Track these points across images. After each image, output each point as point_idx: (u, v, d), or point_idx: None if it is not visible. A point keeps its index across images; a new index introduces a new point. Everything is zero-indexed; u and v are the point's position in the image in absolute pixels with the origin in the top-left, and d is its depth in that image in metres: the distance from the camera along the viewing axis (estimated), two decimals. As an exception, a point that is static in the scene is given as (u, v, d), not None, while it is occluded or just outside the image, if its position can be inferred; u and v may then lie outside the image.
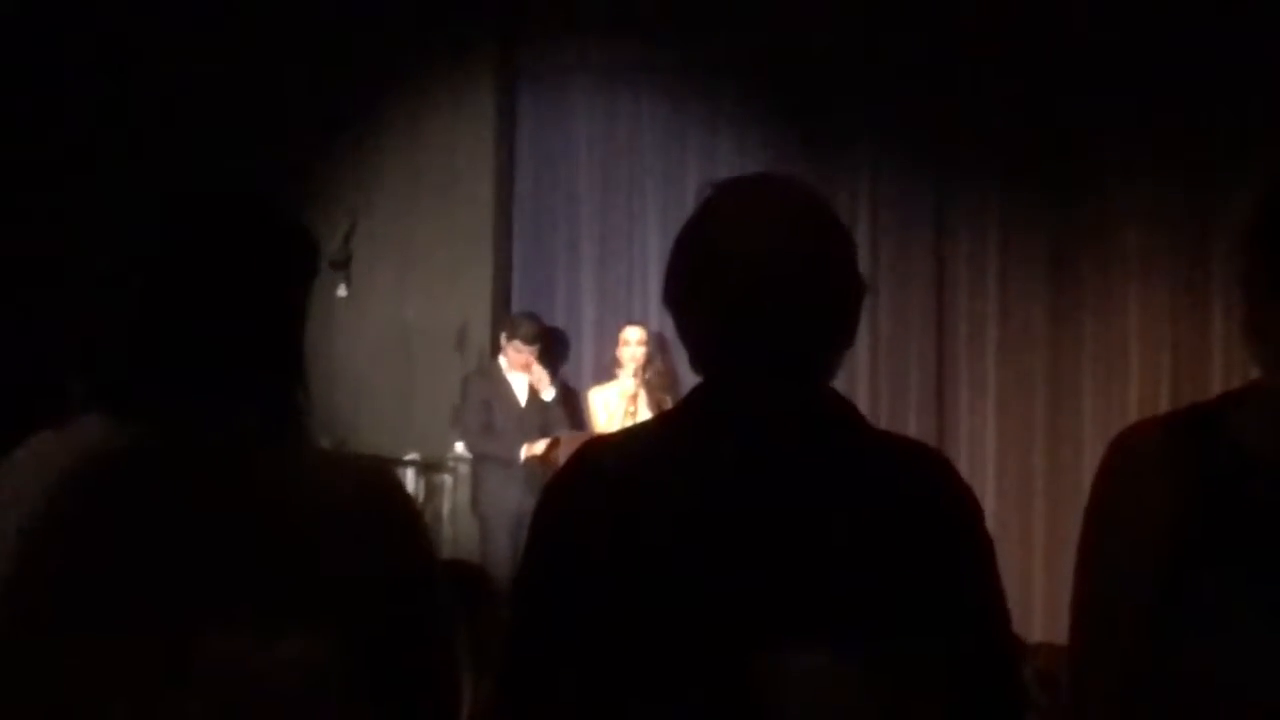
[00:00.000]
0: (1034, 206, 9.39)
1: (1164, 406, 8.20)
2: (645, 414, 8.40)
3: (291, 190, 8.53)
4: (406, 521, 2.13)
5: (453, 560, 6.17)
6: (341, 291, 9.06)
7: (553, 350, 9.38)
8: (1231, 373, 8.56)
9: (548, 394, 8.98)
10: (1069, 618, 2.11)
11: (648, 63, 9.82)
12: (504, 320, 9.34)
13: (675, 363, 8.49)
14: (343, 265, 9.13)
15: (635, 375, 8.78)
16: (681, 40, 9.67)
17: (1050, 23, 9.07)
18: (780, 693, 1.95)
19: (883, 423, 5.88)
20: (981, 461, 9.32)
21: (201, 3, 9.24)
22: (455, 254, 9.54)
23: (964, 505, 2.10)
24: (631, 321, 9.11)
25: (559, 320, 9.67)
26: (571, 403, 9.26)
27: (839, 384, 2.13)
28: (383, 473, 2.22)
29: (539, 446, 8.66)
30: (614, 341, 9.11)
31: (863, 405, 8.38)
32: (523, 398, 8.99)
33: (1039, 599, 8.79)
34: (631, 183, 9.83)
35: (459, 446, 9.11)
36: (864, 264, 2.16)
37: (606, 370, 9.28)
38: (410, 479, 8.85)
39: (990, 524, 2.13)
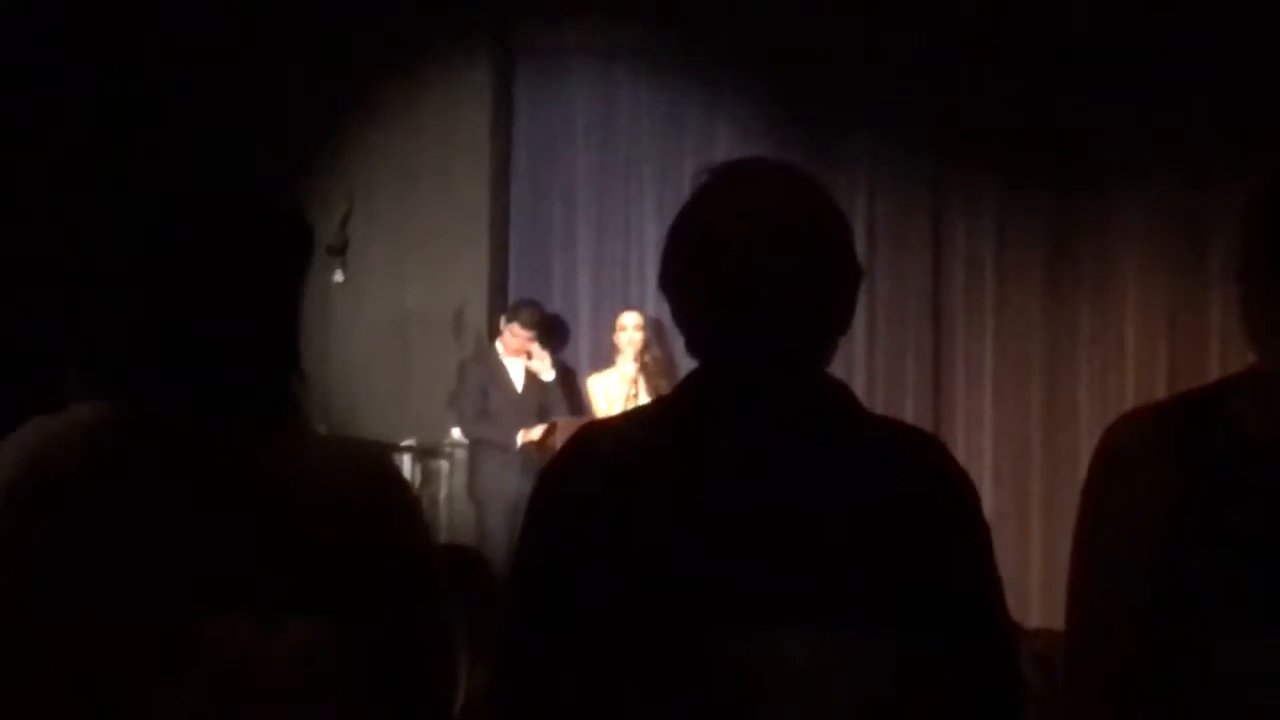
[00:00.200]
0: (1031, 194, 9.39)
1: (1160, 394, 8.19)
2: (646, 399, 8.39)
3: (287, 176, 8.51)
4: (403, 507, 2.14)
5: (449, 545, 6.17)
6: (338, 277, 9.06)
7: (552, 336, 9.37)
8: (1229, 360, 8.55)
9: (547, 375, 8.98)
10: (1065, 604, 2.11)
11: (646, 47, 9.80)
12: (505, 305, 9.35)
13: (672, 348, 8.49)
14: (339, 251, 9.13)
15: (635, 360, 8.78)
16: (680, 25, 9.65)
17: (1050, 15, 9.07)
18: (776, 681, 1.95)
19: (879, 409, 5.86)
20: (978, 448, 9.33)
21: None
22: (452, 239, 9.53)
23: (960, 491, 2.09)
24: (629, 307, 9.10)
25: (555, 305, 9.67)
26: (570, 385, 9.26)
27: (835, 371, 2.13)
28: (380, 459, 2.22)
29: (535, 432, 8.67)
30: (610, 326, 9.11)
31: (860, 392, 8.31)
32: (519, 383, 8.99)
33: (1036, 584, 8.81)
34: (629, 167, 9.82)
35: (455, 432, 9.11)
36: (862, 251, 2.16)
37: (603, 355, 9.28)
38: (407, 464, 8.85)
39: (987, 510, 2.13)
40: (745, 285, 2.03)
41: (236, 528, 1.97)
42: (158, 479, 1.99)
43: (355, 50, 9.42)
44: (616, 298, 9.54)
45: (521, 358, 9.01)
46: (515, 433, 8.73)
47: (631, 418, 2.26)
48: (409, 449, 8.96)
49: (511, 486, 8.37)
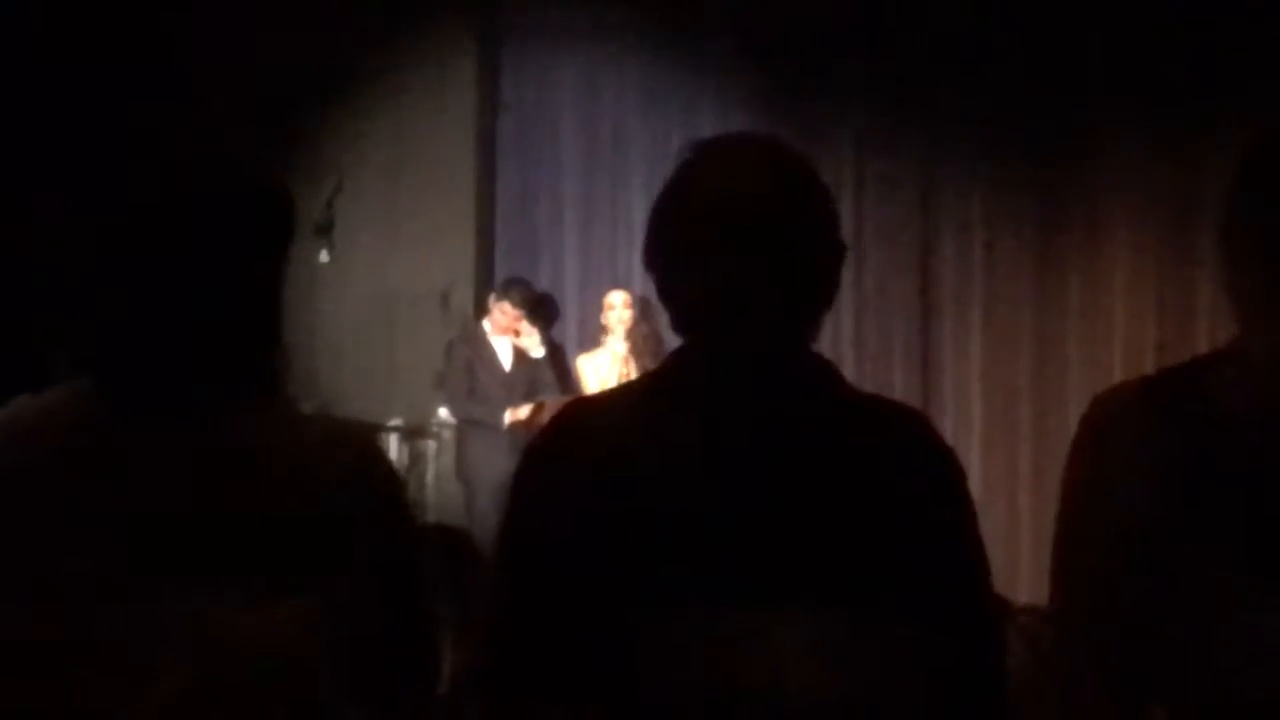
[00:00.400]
0: (1020, 168, 9.39)
1: (1149, 367, 8.18)
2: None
3: (274, 155, 8.46)
4: (387, 487, 2.13)
5: (437, 525, 6.18)
6: (324, 256, 9.04)
7: (542, 314, 9.37)
8: (1217, 335, 8.55)
9: (537, 352, 8.98)
10: (1050, 573, 2.11)
11: (631, 25, 9.78)
12: (492, 284, 9.34)
13: (659, 326, 8.48)
14: (325, 230, 9.10)
15: (627, 339, 8.78)
16: (666, 3, 9.64)
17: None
18: (761, 659, 1.95)
19: (868, 384, 5.87)
20: (966, 423, 9.35)
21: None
22: (438, 218, 9.52)
23: (947, 468, 2.10)
24: (615, 286, 9.10)
25: (542, 284, 9.66)
26: (559, 363, 9.26)
27: (824, 346, 2.13)
28: (363, 438, 2.21)
29: (523, 411, 8.67)
30: (597, 304, 9.11)
31: (847, 366, 8.32)
32: (507, 362, 8.99)
33: (1025, 560, 8.82)
34: (615, 146, 9.81)
35: (442, 412, 9.11)
36: (849, 228, 2.16)
37: (590, 334, 9.28)
38: (394, 444, 8.85)
39: (976, 486, 2.13)
40: (730, 261, 2.03)
41: (216, 507, 1.97)
42: (137, 458, 1.98)
43: (341, 30, 9.39)
44: (603, 276, 9.54)
45: (509, 336, 9.00)
46: (503, 412, 8.73)
47: (616, 394, 2.25)
48: (396, 429, 8.95)
49: (499, 466, 8.34)
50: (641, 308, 8.78)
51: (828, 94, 9.57)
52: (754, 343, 2.05)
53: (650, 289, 2.15)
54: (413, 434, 9.09)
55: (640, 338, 8.80)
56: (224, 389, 2.03)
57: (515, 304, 8.98)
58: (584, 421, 2.12)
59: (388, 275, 9.47)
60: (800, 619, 1.96)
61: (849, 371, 2.18)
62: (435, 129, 9.56)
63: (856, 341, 9.46)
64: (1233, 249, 2.04)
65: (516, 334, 9.01)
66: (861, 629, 1.97)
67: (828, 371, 2.10)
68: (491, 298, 9.15)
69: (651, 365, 8.43)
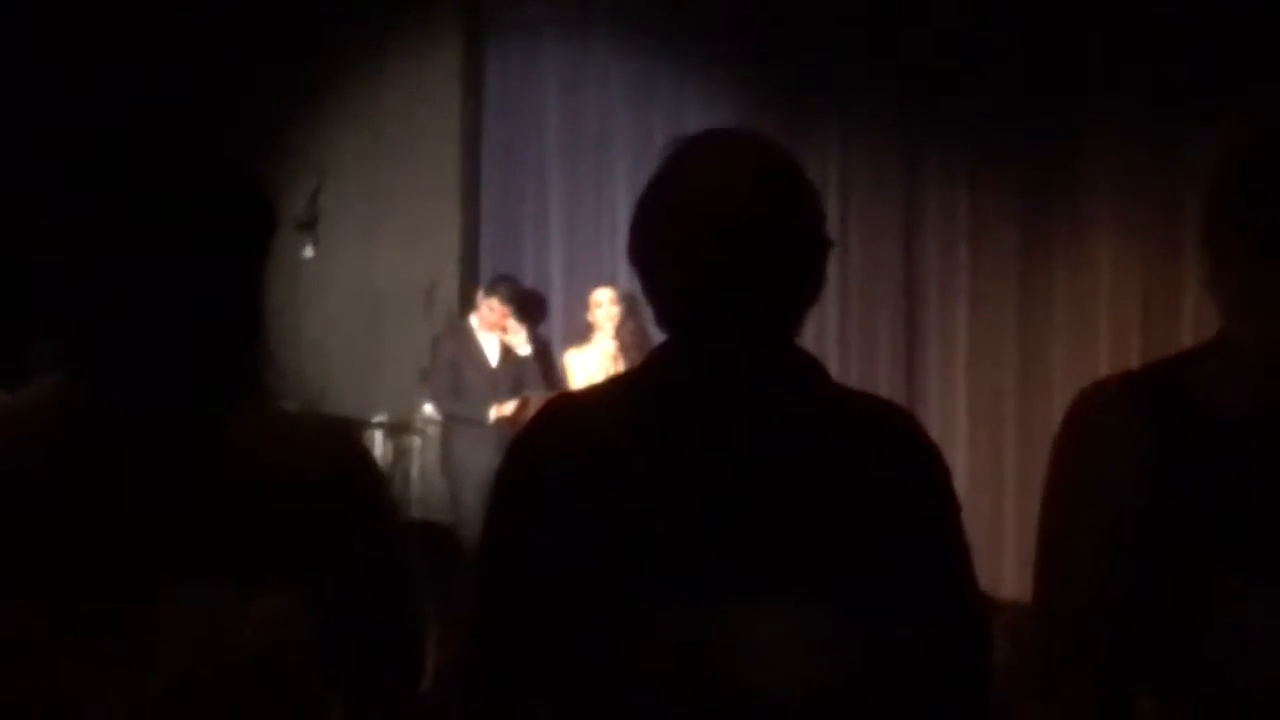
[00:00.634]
0: (1005, 164, 9.38)
1: (1134, 362, 8.20)
2: (626, 374, 8.37)
3: (257, 152, 8.47)
4: (369, 483, 2.13)
5: (421, 521, 6.17)
6: (308, 252, 9.02)
7: (530, 310, 9.37)
8: (1202, 330, 8.52)
9: (524, 350, 8.98)
10: (1033, 568, 2.11)
11: (616, 18, 9.77)
12: (476, 280, 9.33)
13: (645, 322, 8.48)
14: (309, 226, 9.09)
15: (615, 336, 8.78)
16: (651, -2, 9.66)
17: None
18: (748, 652, 1.95)
19: (853, 380, 5.87)
20: (952, 419, 9.35)
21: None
22: (422, 214, 9.51)
23: (931, 465, 2.10)
24: (601, 282, 9.09)
25: (527, 279, 9.65)
26: (547, 360, 9.25)
27: (808, 342, 2.13)
28: (345, 434, 2.21)
29: (508, 407, 8.67)
30: (583, 299, 9.11)
31: (832, 363, 8.32)
32: (494, 358, 8.98)
33: (1010, 556, 8.82)
34: (600, 140, 9.80)
35: (427, 408, 9.10)
36: (833, 223, 2.16)
37: (576, 330, 9.27)
38: (379, 441, 8.84)
39: (961, 482, 2.13)
40: (714, 256, 2.02)
41: (199, 504, 1.97)
42: (119, 455, 1.97)
43: (325, 25, 9.37)
44: (589, 271, 9.53)
45: (496, 333, 9.00)
46: (488, 408, 8.72)
47: (601, 390, 2.25)
48: (380, 425, 8.94)
49: (485, 462, 8.33)
50: (628, 304, 8.77)
51: (813, 90, 9.56)
52: (739, 339, 2.05)
53: (636, 285, 2.15)
54: (397, 430, 9.08)
55: (627, 334, 8.80)
56: (207, 386, 2.03)
57: (503, 300, 8.98)
58: (568, 417, 2.11)
59: (372, 271, 9.46)
60: (785, 615, 1.95)
61: (833, 368, 2.17)
62: (419, 124, 9.55)
63: (841, 338, 9.46)
64: (1217, 245, 2.05)
65: (504, 330, 9.01)
66: (847, 626, 1.97)
67: (812, 368, 2.10)
68: (479, 294, 9.15)
69: (638, 361, 8.40)
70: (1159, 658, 1.99)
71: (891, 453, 2.07)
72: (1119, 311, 9.19)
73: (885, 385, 9.10)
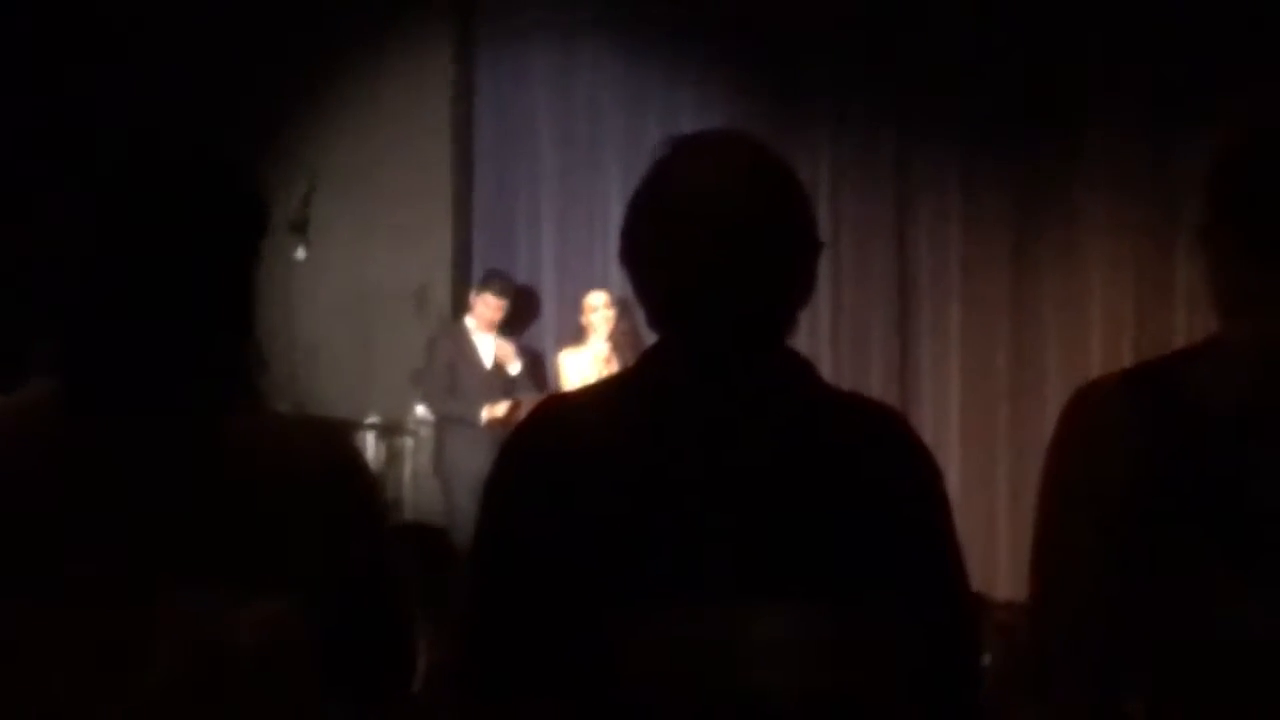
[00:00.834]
0: (996, 163, 9.37)
1: (1127, 361, 8.16)
2: (621, 378, 8.36)
3: (250, 153, 8.45)
4: (361, 485, 2.13)
5: (414, 523, 6.17)
6: (300, 254, 9.01)
7: (521, 314, 9.37)
8: (1194, 329, 8.57)
9: (514, 368, 8.94)
10: (1029, 566, 2.11)
11: (607, 21, 9.76)
12: (469, 282, 9.33)
13: (638, 323, 8.47)
14: (301, 228, 9.08)
15: (609, 339, 8.78)
16: (643, 0, 9.63)
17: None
18: (739, 653, 1.95)
19: (845, 381, 5.87)
20: (945, 420, 9.34)
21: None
22: (415, 216, 9.50)
23: (923, 465, 2.10)
24: (593, 286, 9.07)
25: (520, 281, 9.63)
26: (538, 374, 9.25)
27: (801, 343, 2.13)
28: (337, 436, 2.21)
29: (500, 409, 8.66)
30: (575, 301, 9.10)
31: (825, 364, 8.30)
32: (488, 360, 8.98)
33: (1003, 557, 8.82)
34: (592, 142, 9.78)
35: (420, 409, 9.09)
36: (825, 223, 2.16)
37: (568, 332, 9.27)
38: (371, 442, 8.82)
39: (953, 484, 2.13)
40: (706, 257, 2.02)
41: (191, 506, 1.96)
42: (112, 458, 1.97)
43: (318, 28, 9.36)
44: (581, 273, 9.52)
45: (492, 334, 9.00)
46: (480, 409, 8.72)
47: (593, 391, 2.25)
48: (373, 426, 8.93)
49: (478, 463, 8.31)
50: (621, 307, 8.77)
51: (805, 92, 9.55)
52: (730, 340, 2.05)
53: (628, 287, 2.15)
54: (390, 431, 9.07)
55: (620, 336, 8.80)
56: (198, 387, 2.02)
57: (498, 294, 8.99)
58: (561, 418, 2.11)
59: (364, 273, 9.45)
60: (777, 616, 1.95)
61: (826, 369, 2.17)
62: (412, 126, 9.54)
63: (833, 340, 9.45)
64: (1213, 244, 2.05)
65: (501, 326, 9.01)
66: (838, 626, 1.97)
67: (804, 369, 2.10)
68: (472, 293, 9.15)
69: (631, 362, 8.38)
70: (1154, 657, 1.99)
71: (883, 454, 2.07)
72: (1112, 312, 9.19)
73: (878, 386, 9.10)
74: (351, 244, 9.44)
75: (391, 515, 2.43)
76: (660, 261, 2.06)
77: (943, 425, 9.21)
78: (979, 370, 9.41)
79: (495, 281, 9.10)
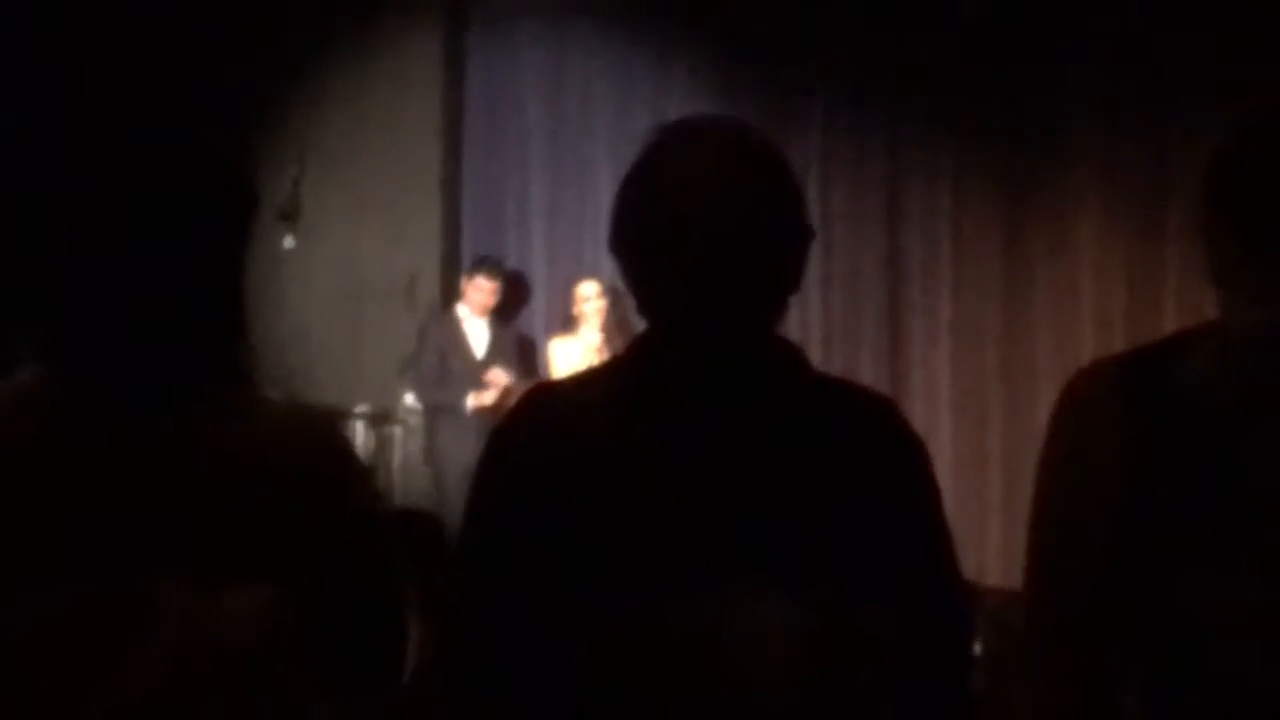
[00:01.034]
0: (987, 152, 9.38)
1: (1118, 347, 8.16)
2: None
3: (238, 140, 8.44)
4: (351, 472, 2.13)
5: (405, 510, 6.15)
6: (289, 243, 8.99)
7: (511, 302, 9.36)
8: (1185, 318, 8.57)
9: (503, 380, 8.83)
10: (1025, 553, 2.11)
11: (597, 8, 9.75)
12: (458, 271, 9.32)
13: (628, 311, 8.46)
14: (290, 216, 9.06)
15: (602, 330, 8.77)
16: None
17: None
18: (727, 639, 1.94)
19: (836, 370, 5.86)
20: (936, 408, 9.35)
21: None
22: (404, 204, 9.49)
23: (913, 453, 2.10)
24: (583, 277, 9.06)
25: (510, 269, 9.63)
26: (527, 356, 9.24)
27: (791, 331, 2.12)
28: (327, 423, 2.20)
29: (487, 397, 8.66)
30: (565, 289, 9.10)
31: (815, 352, 8.29)
32: (480, 348, 8.96)
33: (994, 543, 8.83)
34: (582, 130, 9.77)
35: (408, 398, 9.08)
36: (816, 212, 2.15)
37: (558, 320, 9.26)
38: (360, 431, 8.81)
39: (944, 471, 2.13)
40: (695, 244, 2.02)
41: (180, 495, 1.96)
42: (100, 447, 1.96)
43: (307, 14, 9.34)
44: (571, 261, 9.52)
45: (485, 319, 8.99)
46: (466, 397, 8.72)
47: (582, 378, 2.24)
48: (362, 415, 8.91)
49: (469, 452, 8.32)
50: (611, 295, 8.76)
51: (795, 79, 9.54)
52: (720, 327, 2.04)
53: (618, 275, 2.14)
54: (379, 420, 9.05)
55: (611, 324, 8.79)
56: (188, 375, 2.02)
57: (489, 276, 8.99)
58: (549, 405, 2.11)
59: (353, 261, 9.44)
60: (766, 605, 1.95)
61: (816, 358, 2.17)
62: (401, 115, 9.53)
63: (824, 328, 9.45)
64: (1214, 230, 2.04)
65: (495, 309, 9.00)
66: (828, 615, 1.97)
67: (794, 357, 2.10)
68: (463, 279, 9.14)
69: (621, 350, 8.35)
70: (1149, 642, 1.99)
71: (874, 441, 2.07)
72: (1102, 299, 9.19)
73: (869, 374, 9.10)
74: (340, 232, 9.43)
75: (381, 503, 2.43)
76: (650, 249, 2.05)
77: (933, 413, 9.22)
78: (970, 358, 9.42)
79: (486, 265, 9.10)
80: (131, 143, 2.06)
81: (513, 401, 2.12)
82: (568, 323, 9.06)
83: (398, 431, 9.11)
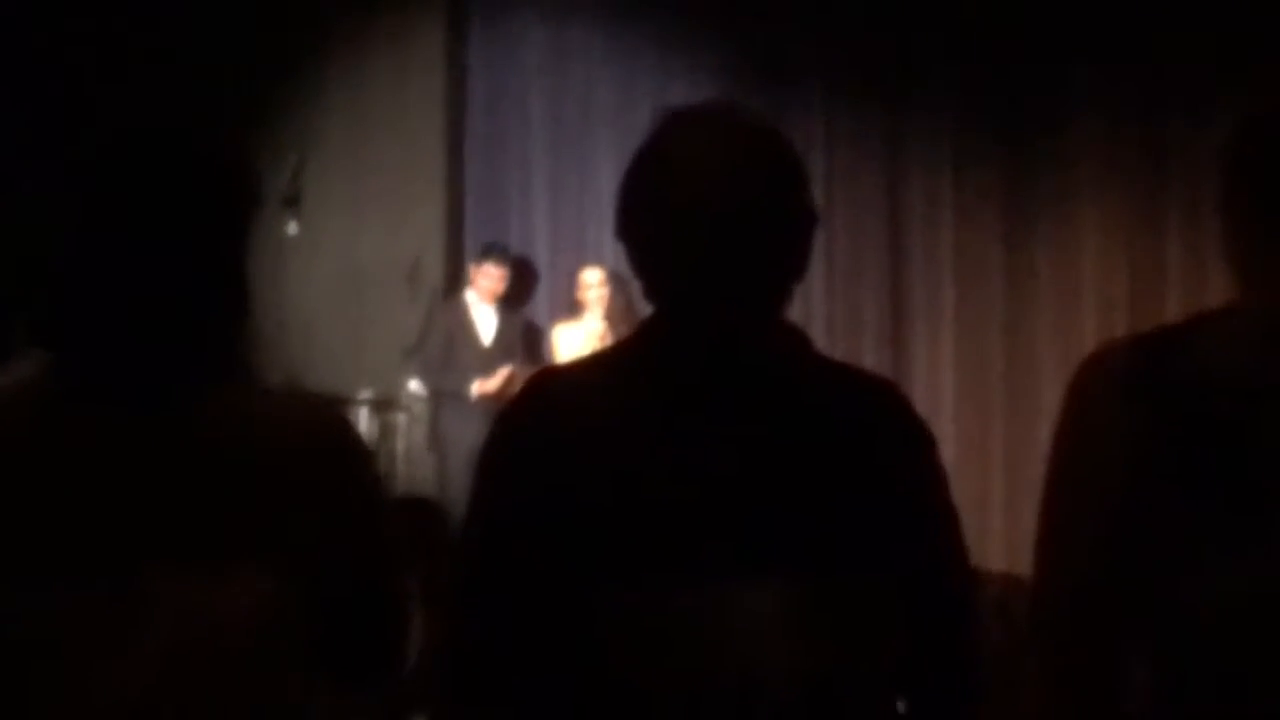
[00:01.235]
0: (988, 138, 9.37)
1: (1120, 334, 8.18)
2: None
3: (239, 127, 8.43)
4: (355, 461, 2.12)
5: (409, 497, 6.15)
6: (292, 229, 8.98)
7: (516, 288, 9.35)
8: (1187, 303, 8.56)
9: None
10: (1036, 537, 2.10)
11: (600, -3, 9.75)
12: (461, 257, 9.31)
13: (633, 297, 8.45)
14: (293, 203, 9.05)
15: (606, 318, 8.76)
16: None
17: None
18: (733, 628, 1.94)
19: (839, 355, 5.82)
20: (939, 392, 9.34)
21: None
22: (407, 191, 9.48)
23: (917, 435, 2.09)
24: (586, 261, 9.06)
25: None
26: (533, 343, 9.24)
27: (795, 318, 2.12)
28: (331, 412, 2.20)
29: (492, 383, 8.65)
30: (568, 275, 9.10)
31: (819, 338, 8.32)
32: (488, 335, 8.96)
33: (997, 529, 8.83)
34: (584, 118, 9.76)
35: (412, 385, 9.07)
36: (818, 198, 2.15)
37: (561, 306, 9.26)
38: (364, 417, 8.81)
39: (948, 456, 2.12)
40: (700, 230, 2.01)
41: (183, 483, 1.95)
42: (103, 435, 1.96)
43: (309, 2, 9.33)
44: (574, 248, 9.51)
45: (494, 306, 8.98)
46: (471, 383, 8.71)
47: (587, 363, 2.24)
48: (366, 402, 8.91)
49: (473, 438, 8.29)
50: (615, 281, 8.75)
51: (798, 69, 9.53)
52: (726, 313, 2.04)
53: (623, 261, 2.14)
54: (383, 407, 9.05)
55: (615, 311, 8.78)
56: (191, 363, 2.01)
57: (498, 263, 9.00)
58: (554, 391, 2.11)
59: (356, 247, 9.44)
60: (771, 591, 1.95)
61: (820, 342, 2.16)
62: (404, 101, 9.52)
63: (827, 317, 9.45)
64: (1232, 213, 2.04)
65: (504, 296, 8.98)
66: (834, 601, 1.97)
67: (800, 342, 2.09)
68: (472, 266, 9.14)
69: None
70: (1159, 625, 1.99)
71: (879, 427, 2.06)
72: (1104, 288, 9.18)
73: (872, 363, 9.07)
74: (344, 219, 9.42)
75: (385, 490, 2.43)
76: (655, 234, 2.05)
77: (936, 402, 9.21)
78: (973, 347, 9.41)
79: (495, 251, 9.09)
80: (136, 130, 2.06)
81: (517, 388, 2.11)
82: (572, 309, 9.05)
83: (401, 418, 9.11)
